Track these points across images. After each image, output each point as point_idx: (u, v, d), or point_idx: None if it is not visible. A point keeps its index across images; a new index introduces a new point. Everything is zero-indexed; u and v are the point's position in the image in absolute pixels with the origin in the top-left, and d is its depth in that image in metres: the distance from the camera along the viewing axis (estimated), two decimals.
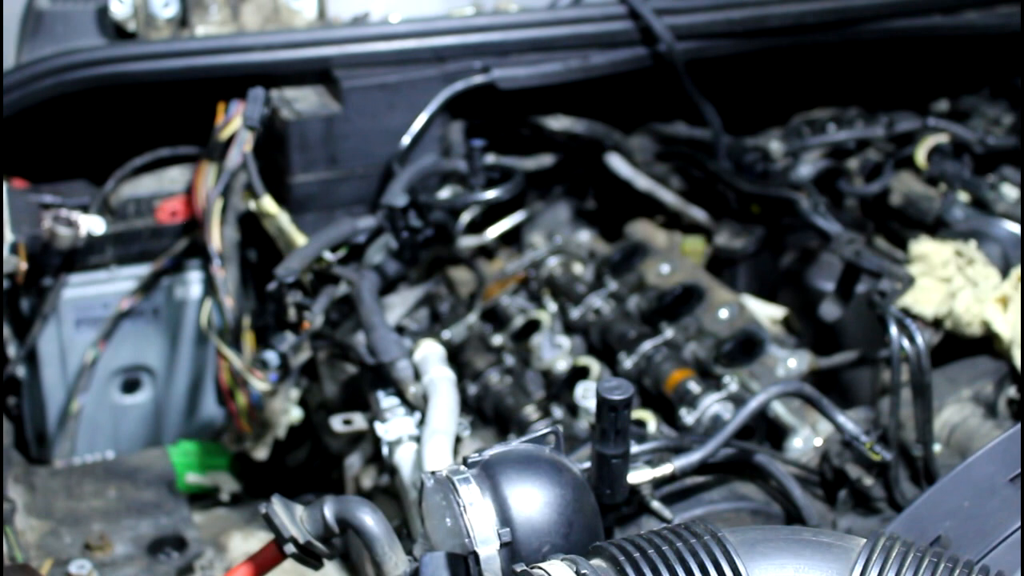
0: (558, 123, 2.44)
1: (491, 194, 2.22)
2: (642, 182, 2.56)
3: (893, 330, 1.80)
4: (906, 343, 1.82)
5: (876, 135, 2.56)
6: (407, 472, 1.70)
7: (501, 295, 2.49)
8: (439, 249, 2.40)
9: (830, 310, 2.22)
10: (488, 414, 2.21)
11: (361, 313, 1.99)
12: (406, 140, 2.29)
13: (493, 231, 2.46)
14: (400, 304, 2.28)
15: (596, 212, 2.70)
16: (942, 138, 2.58)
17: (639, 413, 2.09)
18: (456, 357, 2.25)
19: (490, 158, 2.33)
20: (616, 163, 2.54)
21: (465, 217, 2.42)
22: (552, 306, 2.47)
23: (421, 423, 1.78)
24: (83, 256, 2.36)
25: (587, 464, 1.54)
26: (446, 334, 2.34)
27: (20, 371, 2.41)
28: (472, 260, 2.42)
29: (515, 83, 2.31)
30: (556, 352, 2.32)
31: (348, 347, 2.19)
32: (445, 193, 2.32)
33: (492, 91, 2.34)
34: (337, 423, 1.95)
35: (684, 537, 1.26)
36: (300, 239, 2.16)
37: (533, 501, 1.35)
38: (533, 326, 2.42)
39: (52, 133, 2.39)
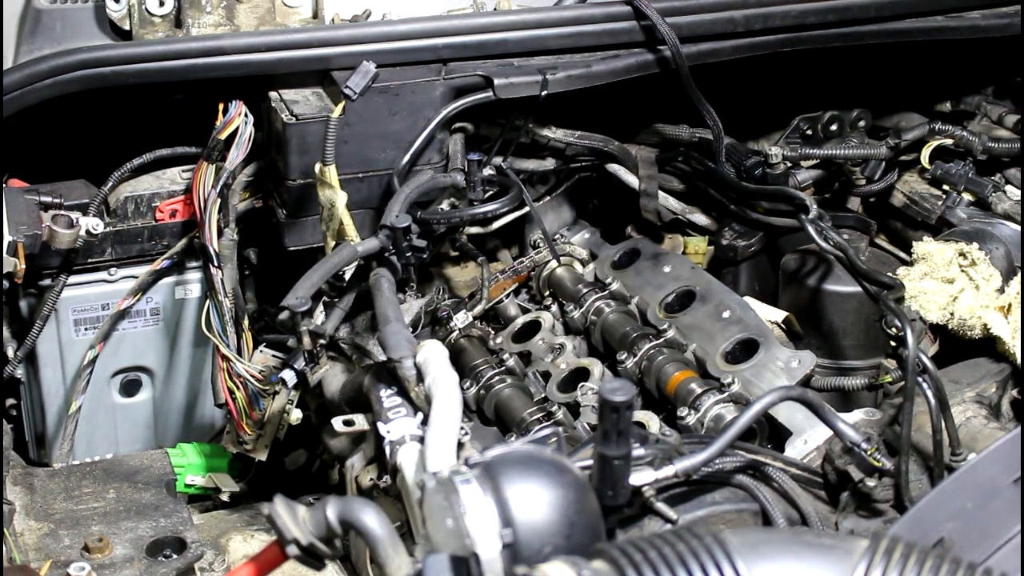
0: (555, 135, 2.44)
1: (489, 207, 2.21)
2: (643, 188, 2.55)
3: (909, 336, 1.80)
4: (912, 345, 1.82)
5: (879, 154, 2.56)
6: (410, 473, 1.70)
7: (502, 296, 2.49)
8: (440, 246, 2.40)
9: None
10: (489, 415, 2.21)
11: (378, 303, 1.98)
12: (406, 158, 2.28)
13: (494, 225, 2.45)
14: (404, 314, 2.28)
15: (597, 212, 2.70)
16: (946, 141, 2.58)
17: (640, 414, 2.09)
18: (457, 358, 2.25)
19: (490, 168, 2.32)
20: (616, 170, 2.53)
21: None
22: (553, 307, 2.47)
23: (424, 424, 1.77)
24: (82, 256, 2.36)
25: (589, 462, 1.54)
26: (447, 335, 2.34)
27: (19, 372, 2.40)
28: (476, 254, 2.41)
29: (516, 93, 2.30)
30: (557, 353, 2.32)
31: (355, 345, 2.19)
32: (444, 206, 2.31)
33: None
34: (338, 424, 1.95)
35: (685, 539, 1.25)
36: (348, 220, 2.15)
37: (535, 502, 1.35)
38: (534, 327, 2.42)
39: (51, 133, 2.39)
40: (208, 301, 2.27)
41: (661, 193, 2.55)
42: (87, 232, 2.25)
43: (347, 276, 2.18)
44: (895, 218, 2.63)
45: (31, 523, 2.03)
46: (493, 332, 2.41)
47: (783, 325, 2.27)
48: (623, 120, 2.58)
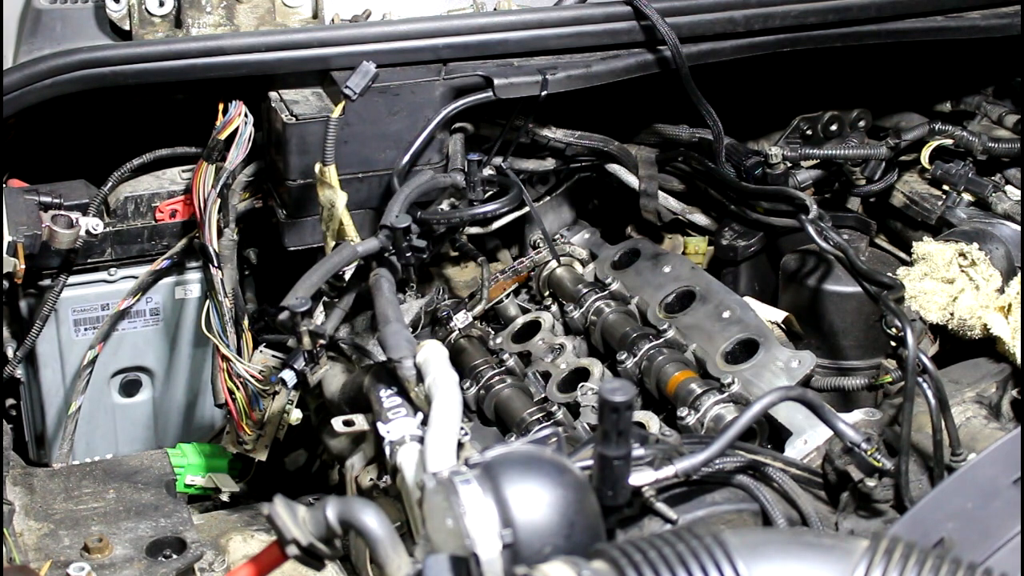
0: (555, 135, 2.44)
1: (489, 207, 2.21)
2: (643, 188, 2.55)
3: (909, 336, 1.80)
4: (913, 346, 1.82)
5: (879, 154, 2.56)
6: (410, 473, 1.70)
7: (502, 296, 2.49)
8: (440, 246, 2.40)
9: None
10: (489, 415, 2.21)
11: (378, 303, 1.98)
12: (406, 158, 2.28)
13: (494, 225, 2.45)
14: (404, 314, 2.28)
15: (597, 212, 2.70)
16: (946, 141, 2.58)
17: (640, 414, 2.09)
18: (457, 358, 2.24)
19: (490, 168, 2.32)
20: (616, 170, 2.53)
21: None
22: (553, 307, 2.47)
23: (424, 424, 1.77)
24: (82, 256, 2.36)
25: (589, 462, 1.54)
26: (447, 335, 2.33)
27: (19, 372, 2.40)
28: (476, 255, 2.42)
29: (516, 93, 2.30)
30: (557, 353, 2.32)
31: (355, 345, 2.19)
32: (444, 206, 2.31)
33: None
34: (338, 424, 1.95)
35: (685, 539, 1.25)
36: (348, 220, 2.15)
37: (535, 502, 1.35)
38: (534, 327, 2.42)
39: (51, 133, 2.39)
40: (208, 301, 2.28)
41: (661, 193, 2.55)
42: (87, 232, 2.25)
43: (347, 276, 2.18)
44: (895, 218, 2.63)
45: (31, 523, 2.03)
46: (493, 332, 2.41)
47: (783, 325, 2.27)
48: (623, 120, 2.58)
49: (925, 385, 1.80)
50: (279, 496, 1.43)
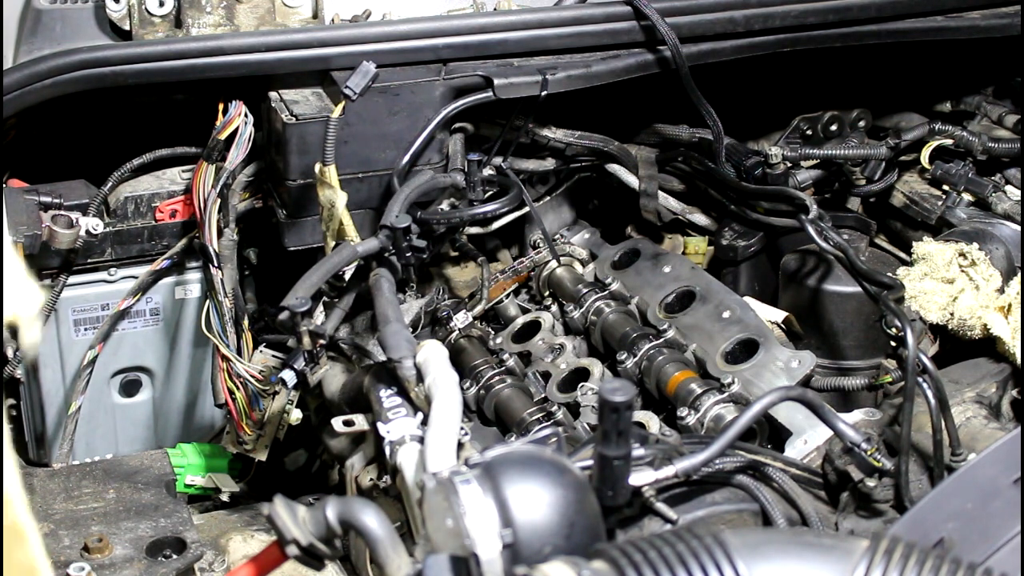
0: (555, 135, 2.44)
1: (489, 207, 2.21)
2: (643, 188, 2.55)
3: (909, 336, 1.80)
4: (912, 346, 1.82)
5: (879, 154, 2.55)
6: (410, 473, 1.70)
7: (502, 296, 2.49)
8: (440, 246, 2.40)
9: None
10: (489, 415, 2.21)
11: (378, 303, 1.98)
12: (406, 158, 2.28)
13: (494, 225, 2.45)
14: (404, 314, 2.28)
15: (597, 212, 2.70)
16: (946, 141, 2.58)
17: (640, 414, 2.09)
18: (457, 358, 2.24)
19: (490, 168, 2.31)
20: (616, 170, 2.53)
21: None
22: (553, 307, 2.47)
23: (424, 424, 1.77)
24: (82, 256, 2.36)
25: (589, 462, 1.54)
26: (447, 335, 2.33)
27: (19, 372, 2.40)
28: (476, 255, 2.42)
29: (516, 93, 2.30)
30: (557, 353, 2.32)
31: (355, 345, 2.19)
32: (444, 206, 2.31)
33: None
34: (338, 424, 1.95)
35: (685, 539, 1.25)
36: (348, 220, 2.15)
37: (535, 502, 1.35)
38: (534, 327, 2.42)
39: (51, 133, 2.39)
40: (208, 301, 2.28)
41: (661, 193, 2.55)
42: (87, 232, 2.25)
43: (347, 276, 2.18)
44: (895, 218, 2.63)
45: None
46: (493, 332, 2.41)
47: (783, 325, 2.27)
48: (623, 120, 2.58)
49: (925, 385, 1.80)
50: (279, 496, 1.43)
